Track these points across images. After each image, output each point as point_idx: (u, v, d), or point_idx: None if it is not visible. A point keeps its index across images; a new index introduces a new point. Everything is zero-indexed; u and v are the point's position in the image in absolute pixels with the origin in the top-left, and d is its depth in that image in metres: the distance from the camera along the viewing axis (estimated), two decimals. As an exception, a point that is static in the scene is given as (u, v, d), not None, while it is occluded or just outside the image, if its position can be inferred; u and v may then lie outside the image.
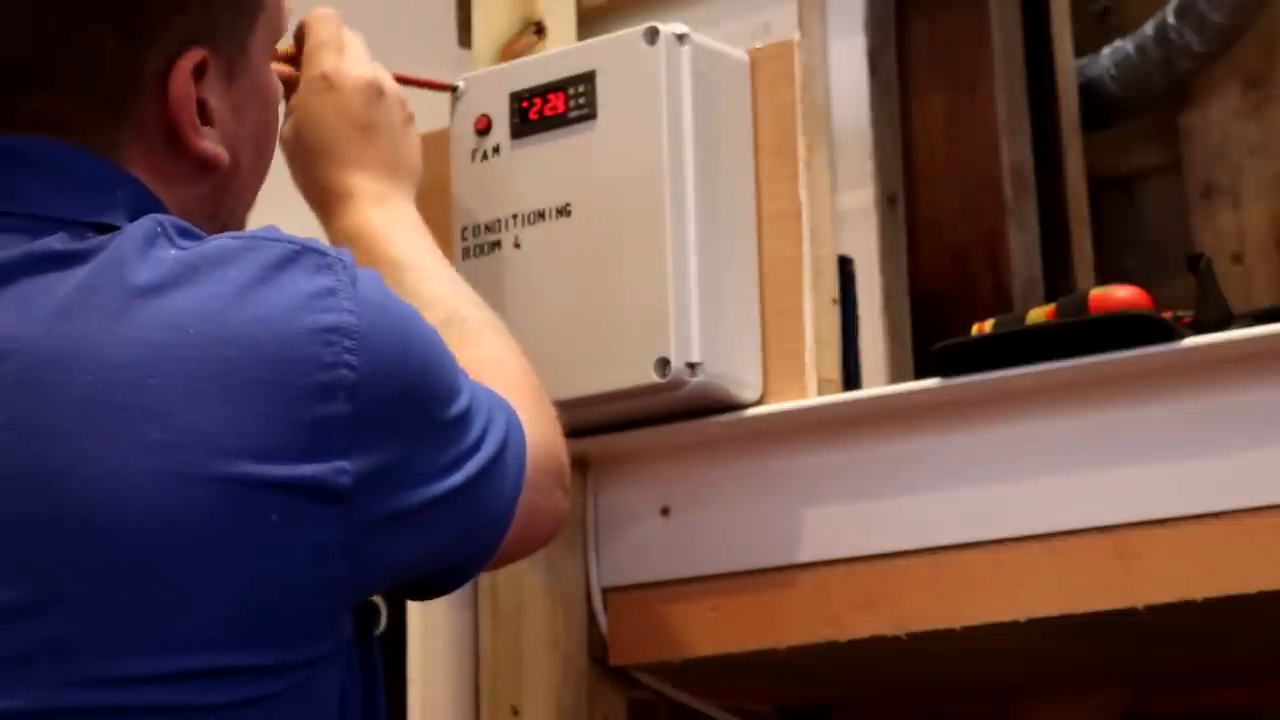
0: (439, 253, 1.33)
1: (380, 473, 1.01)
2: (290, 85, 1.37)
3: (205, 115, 1.10)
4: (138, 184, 1.07)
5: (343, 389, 0.99)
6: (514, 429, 1.14)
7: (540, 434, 1.18)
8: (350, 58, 1.37)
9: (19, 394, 0.97)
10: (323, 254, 1.02)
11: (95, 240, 1.02)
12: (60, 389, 0.96)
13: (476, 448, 1.08)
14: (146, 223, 1.02)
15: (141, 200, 1.07)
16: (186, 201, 1.10)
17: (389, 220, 1.32)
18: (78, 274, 1.00)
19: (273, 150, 1.21)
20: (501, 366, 1.23)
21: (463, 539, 1.10)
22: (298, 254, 1.02)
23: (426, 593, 1.14)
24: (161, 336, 0.97)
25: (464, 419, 1.08)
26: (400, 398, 1.02)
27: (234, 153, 1.13)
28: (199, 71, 1.09)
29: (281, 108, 1.25)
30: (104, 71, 1.06)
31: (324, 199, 1.35)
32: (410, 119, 1.40)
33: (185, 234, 1.03)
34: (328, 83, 1.35)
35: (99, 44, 1.06)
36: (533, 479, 1.15)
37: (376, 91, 1.36)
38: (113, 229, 1.03)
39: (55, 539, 0.95)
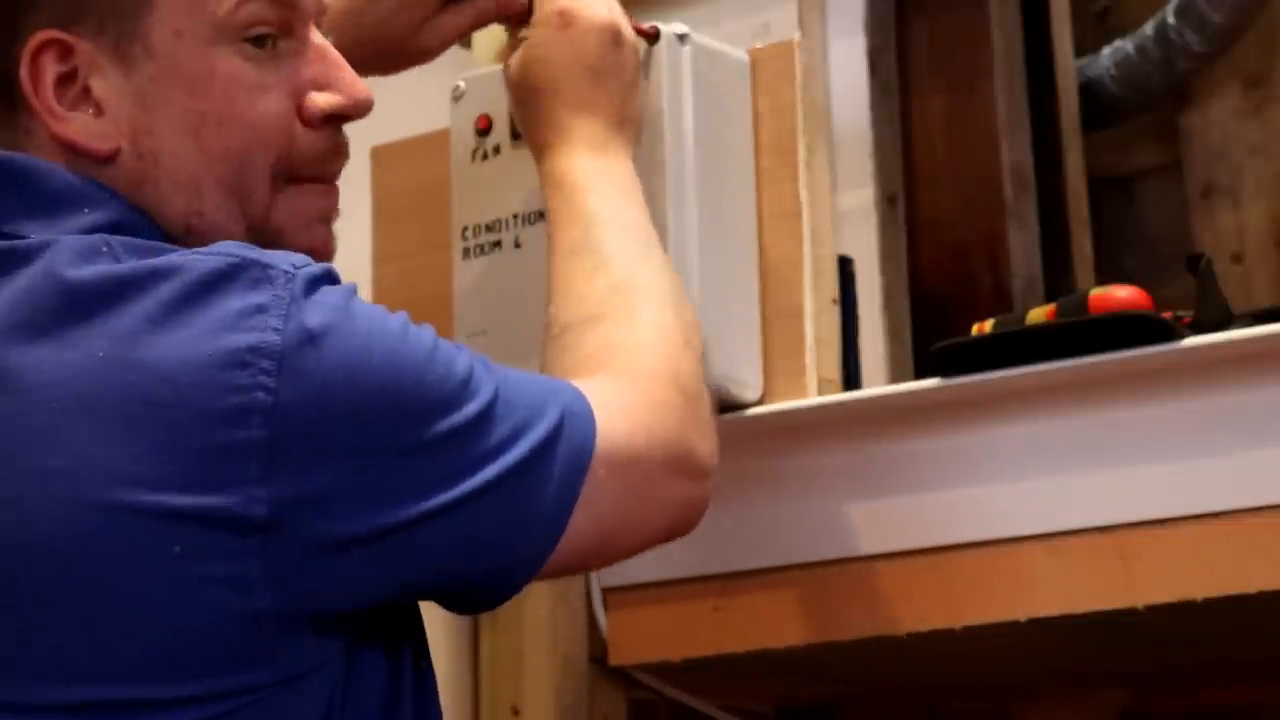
0: (640, 213, 1.27)
1: (312, 500, 0.95)
2: (519, 17, 1.34)
3: (89, 100, 1.06)
4: (113, 202, 1.05)
5: (257, 413, 0.94)
6: (574, 423, 1.06)
7: (643, 420, 1.10)
8: None
9: None
10: (266, 267, 0.98)
11: (27, 245, 1.00)
12: None
13: (493, 454, 1.01)
14: (92, 238, 0.99)
15: (117, 217, 1.04)
16: (135, 196, 1.07)
17: (599, 171, 1.27)
18: (6, 284, 0.98)
19: (247, 141, 1.10)
20: (634, 351, 1.15)
21: (487, 549, 1.03)
22: (237, 268, 0.97)
23: (472, 605, 1.08)
24: (75, 357, 0.95)
25: (470, 428, 1.01)
26: (339, 420, 0.96)
27: (137, 142, 1.07)
28: (62, 55, 1.05)
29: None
30: None
31: (543, 138, 1.30)
32: (639, 73, 1.34)
33: (134, 250, 0.99)
34: (563, 20, 1.30)
35: None
36: (615, 468, 1.07)
37: (614, 36, 1.31)
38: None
39: None
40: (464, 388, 1.02)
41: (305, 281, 0.98)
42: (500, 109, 1.52)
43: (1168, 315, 1.36)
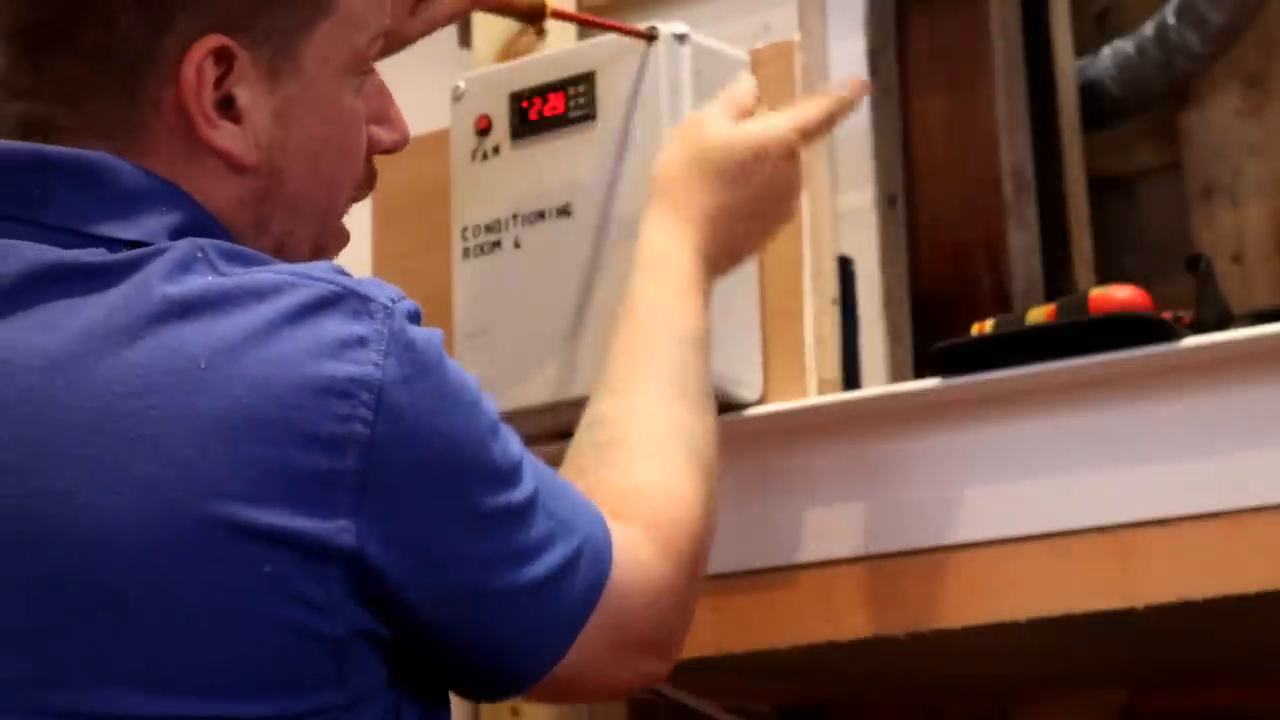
0: (696, 338, 1.26)
1: (395, 541, 0.96)
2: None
3: (233, 111, 1.05)
4: (187, 202, 1.03)
5: (354, 444, 0.94)
6: (592, 556, 1.06)
7: (644, 591, 1.10)
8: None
9: (26, 412, 0.95)
10: (367, 299, 0.97)
11: (128, 256, 0.99)
12: (65, 410, 0.94)
13: (531, 554, 1.02)
14: (186, 245, 0.98)
15: (189, 218, 1.03)
16: (220, 201, 1.06)
17: (689, 288, 1.28)
18: (106, 294, 0.97)
19: (349, 173, 1.12)
20: (676, 521, 1.14)
21: (515, 639, 1.04)
22: (339, 296, 0.97)
23: (470, 691, 1.09)
24: (173, 364, 0.94)
25: (515, 514, 1.01)
26: (424, 465, 0.97)
27: (272, 159, 1.07)
28: (224, 62, 1.04)
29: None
30: (122, 40, 1.03)
31: (669, 216, 1.31)
32: (793, 207, 1.37)
33: (232, 258, 0.99)
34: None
35: (116, 12, 1.02)
36: (607, 626, 1.07)
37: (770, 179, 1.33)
38: (146, 245, 1.00)
39: (50, 566, 0.93)
40: (518, 469, 1.03)
41: (402, 318, 0.98)
42: (500, 109, 1.52)
43: (1168, 315, 1.36)
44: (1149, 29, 2.05)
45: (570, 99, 1.50)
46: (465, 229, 1.53)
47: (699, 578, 1.17)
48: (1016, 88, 1.91)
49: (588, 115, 1.49)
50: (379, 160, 1.82)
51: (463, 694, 1.09)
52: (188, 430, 0.93)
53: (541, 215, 1.50)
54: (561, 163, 1.49)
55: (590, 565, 1.06)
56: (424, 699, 1.04)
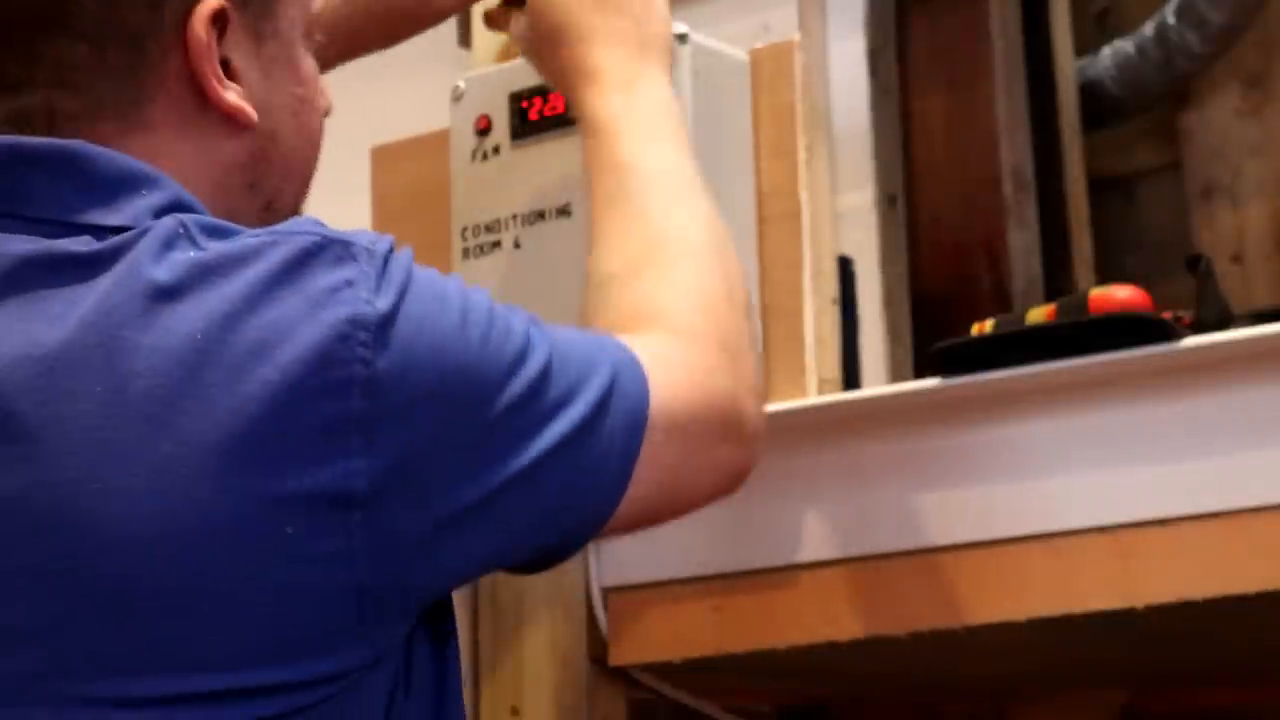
0: (674, 151, 1.25)
1: (409, 473, 0.96)
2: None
3: (230, 72, 1.07)
4: (165, 182, 1.04)
5: (356, 385, 0.94)
6: (626, 380, 1.06)
7: (687, 381, 1.10)
8: None
9: (28, 405, 0.94)
10: (347, 244, 0.98)
11: (115, 242, 0.99)
12: (71, 399, 0.94)
13: (554, 412, 1.02)
14: (168, 222, 0.99)
15: (171, 198, 1.03)
16: (218, 168, 1.07)
17: (628, 111, 1.25)
18: (98, 281, 0.97)
19: (318, 135, 1.15)
20: (677, 310, 1.15)
21: (560, 509, 1.04)
22: (321, 246, 0.97)
23: (531, 568, 1.09)
24: (172, 343, 0.94)
25: (530, 393, 1.01)
26: (425, 391, 0.97)
27: (268, 118, 1.09)
28: (219, 23, 1.06)
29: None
30: (122, 16, 1.03)
31: (568, 86, 1.29)
32: None
33: (211, 232, 0.99)
34: None
35: None
36: (671, 430, 1.08)
37: None
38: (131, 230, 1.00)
39: (65, 554, 0.93)
40: (524, 352, 1.02)
41: (383, 257, 0.99)
42: (500, 109, 1.52)
43: (1168, 315, 1.36)
44: (1149, 29, 2.05)
45: (570, 99, 1.49)
46: (465, 229, 1.53)
47: (741, 346, 1.16)
48: (1016, 88, 1.91)
49: (588, 115, 1.49)
50: (379, 160, 1.83)
51: (526, 569, 1.09)
52: (194, 406, 0.93)
53: (541, 215, 1.50)
54: (561, 163, 1.49)
55: (627, 391, 1.06)
56: (432, 658, 1.04)
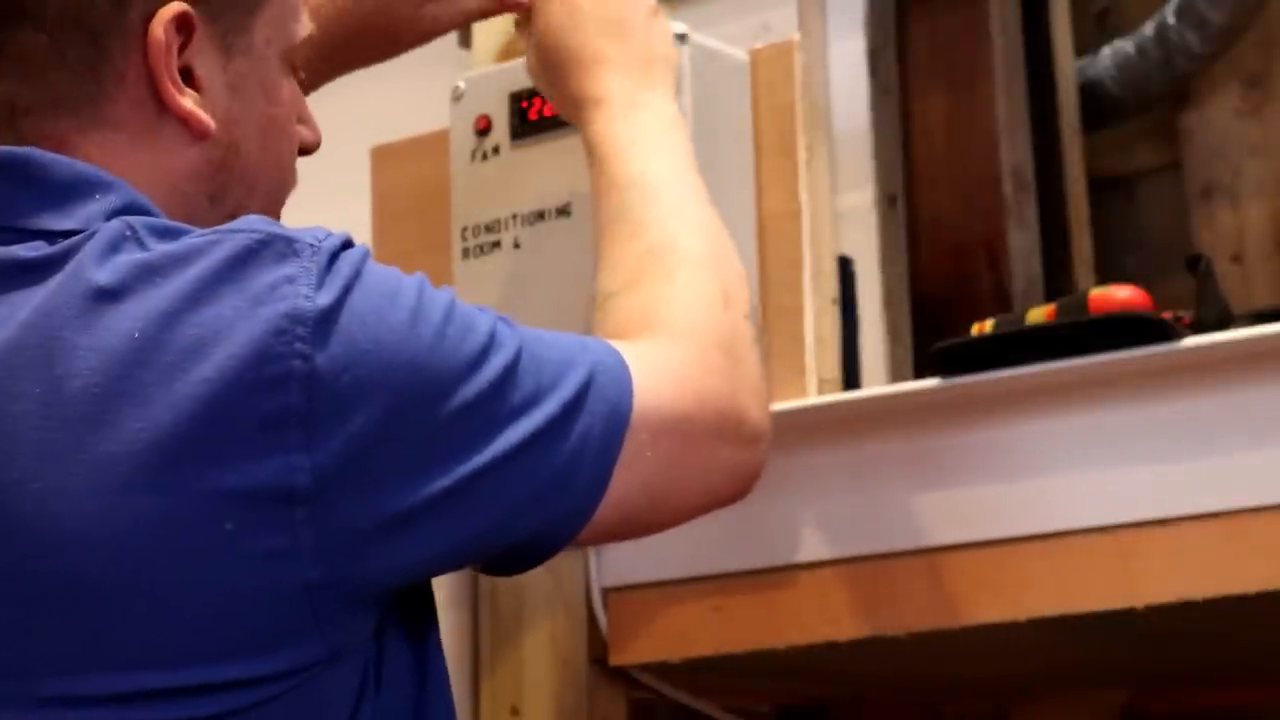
0: (676, 167, 1.24)
1: (354, 469, 0.95)
2: (523, 21, 1.34)
3: (192, 80, 1.07)
4: (119, 186, 1.04)
5: (294, 380, 0.93)
6: (605, 380, 1.05)
7: (678, 382, 1.09)
8: None
9: None
10: (291, 240, 0.97)
11: (64, 246, 0.99)
12: (12, 400, 0.94)
13: (518, 413, 1.00)
14: (115, 225, 0.99)
15: (124, 202, 1.03)
16: (176, 174, 1.07)
17: (632, 134, 1.25)
18: (45, 285, 0.97)
19: (291, 154, 1.14)
20: (673, 313, 1.14)
21: (525, 511, 1.02)
22: (263, 244, 0.97)
23: (505, 568, 1.07)
24: (111, 342, 0.94)
25: (491, 391, 1.00)
26: (369, 385, 0.95)
27: (229, 131, 1.08)
28: (184, 29, 1.06)
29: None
30: (87, 10, 1.04)
31: (575, 114, 1.29)
32: (656, 10, 1.33)
33: (161, 234, 0.99)
34: None
35: None
36: (660, 431, 1.06)
37: None
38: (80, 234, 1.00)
39: (12, 555, 0.93)
40: (485, 349, 1.01)
41: (329, 253, 0.98)
42: (500, 109, 1.52)
43: (1168, 315, 1.36)
44: (1149, 29, 2.05)
45: (570, 99, 1.49)
46: (465, 229, 1.53)
47: (741, 348, 1.15)
48: (1016, 88, 1.91)
49: (588, 115, 1.49)
50: (379, 160, 1.83)
51: (503, 570, 1.07)
52: (131, 405, 0.93)
53: (541, 215, 1.50)
54: (561, 163, 1.49)
55: (606, 391, 1.04)
56: (409, 653, 1.03)
